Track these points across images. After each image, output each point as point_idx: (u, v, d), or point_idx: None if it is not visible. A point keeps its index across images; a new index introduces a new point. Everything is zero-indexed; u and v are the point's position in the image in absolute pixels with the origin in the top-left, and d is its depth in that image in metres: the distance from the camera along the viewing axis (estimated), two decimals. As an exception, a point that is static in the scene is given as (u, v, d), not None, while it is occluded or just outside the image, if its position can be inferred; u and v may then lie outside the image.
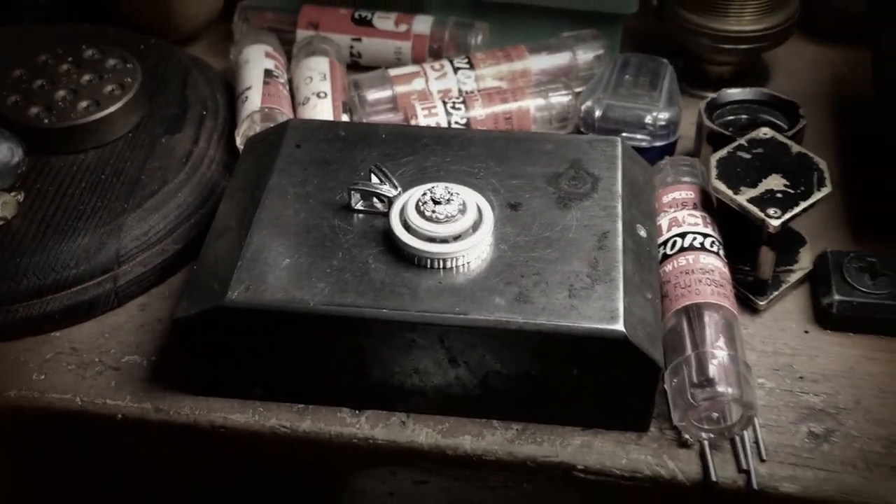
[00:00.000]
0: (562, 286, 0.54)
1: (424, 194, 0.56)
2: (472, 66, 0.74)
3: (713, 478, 0.54)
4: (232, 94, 0.74)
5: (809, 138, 0.69)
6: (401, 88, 0.73)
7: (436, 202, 0.55)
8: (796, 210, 0.59)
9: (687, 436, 0.55)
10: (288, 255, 0.56)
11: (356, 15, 0.79)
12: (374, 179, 0.58)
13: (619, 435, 0.56)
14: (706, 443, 0.55)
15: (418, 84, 0.73)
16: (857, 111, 0.76)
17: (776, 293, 0.62)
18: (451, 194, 0.55)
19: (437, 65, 0.74)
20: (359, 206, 0.58)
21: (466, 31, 0.78)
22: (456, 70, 0.74)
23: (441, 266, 0.55)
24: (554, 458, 0.55)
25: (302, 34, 0.79)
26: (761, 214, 0.58)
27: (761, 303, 0.62)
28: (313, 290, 0.54)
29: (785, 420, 0.57)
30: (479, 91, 0.73)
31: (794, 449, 0.55)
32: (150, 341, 0.62)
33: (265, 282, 0.54)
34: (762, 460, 0.55)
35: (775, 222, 0.58)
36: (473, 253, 0.55)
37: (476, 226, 0.55)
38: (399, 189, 0.57)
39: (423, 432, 0.57)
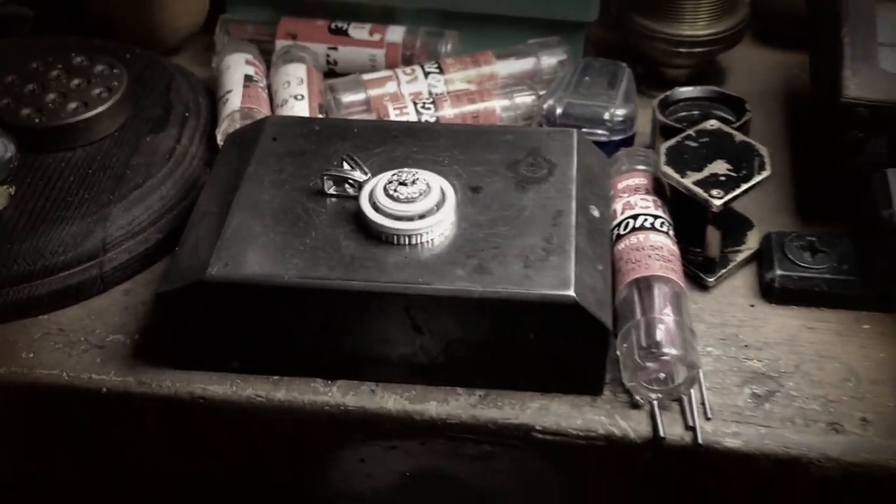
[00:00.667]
0: (518, 258, 0.58)
1: (392, 177, 0.60)
2: (441, 71, 0.79)
3: (661, 434, 0.57)
4: (214, 99, 0.78)
5: (761, 135, 0.73)
6: (374, 91, 0.78)
7: (402, 184, 0.59)
8: (738, 191, 0.63)
9: (637, 397, 0.59)
10: (264, 235, 0.59)
11: (332, 25, 0.83)
12: (346, 167, 0.62)
13: (575, 398, 0.60)
14: (655, 403, 0.58)
15: (391, 87, 0.78)
16: (805, 110, 0.80)
17: (724, 271, 0.66)
18: (416, 177, 0.60)
19: (408, 70, 0.79)
20: (331, 191, 0.62)
21: (437, 39, 0.82)
22: (426, 74, 0.78)
23: (407, 242, 0.58)
24: (514, 420, 0.59)
25: (281, 44, 0.83)
26: (705, 195, 0.63)
27: (710, 279, 0.66)
28: (287, 265, 0.58)
29: (730, 383, 0.60)
30: (448, 93, 0.77)
31: (737, 408, 0.59)
32: (134, 322, 0.65)
33: (243, 258, 0.58)
34: (707, 418, 0.58)
35: (718, 202, 0.62)
36: (436, 230, 0.59)
37: (439, 205, 0.59)
38: (369, 174, 0.61)
39: (391, 399, 0.60)
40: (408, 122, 0.74)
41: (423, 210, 0.59)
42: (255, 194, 0.62)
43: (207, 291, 0.57)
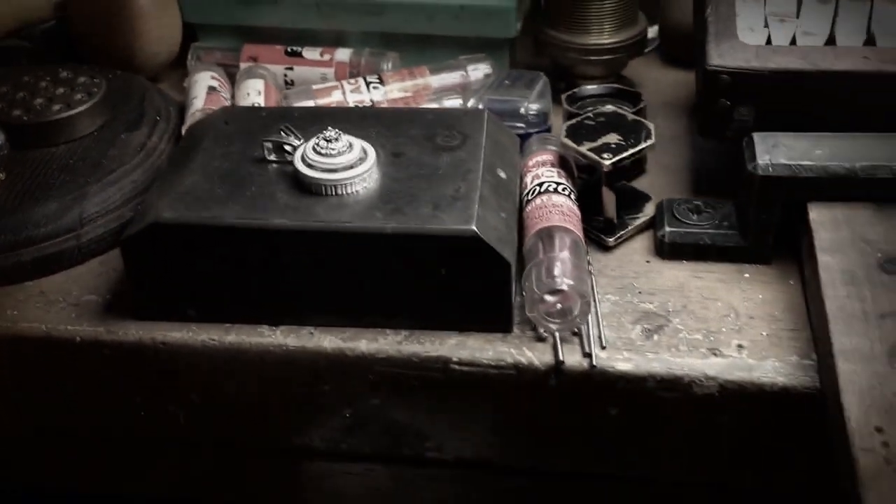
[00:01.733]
0: (429, 203, 0.67)
1: (319, 137, 0.70)
2: (382, 83, 0.90)
3: (561, 359, 0.66)
4: (183, 109, 0.89)
5: (663, 133, 0.83)
6: (322, 100, 0.88)
7: (328, 141, 0.69)
8: (625, 154, 0.73)
9: (540, 329, 0.67)
10: (212, 191, 0.69)
11: (289, 49, 0.95)
12: (283, 135, 0.72)
13: (488, 336, 0.68)
14: (557, 335, 0.67)
15: (336, 96, 0.88)
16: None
17: (622, 233, 0.76)
18: (339, 135, 0.70)
19: (352, 81, 0.90)
20: (271, 158, 0.72)
21: (380, 58, 0.94)
22: (368, 85, 0.89)
23: (333, 192, 0.68)
24: (434, 353, 0.67)
25: (244, 66, 0.94)
26: (597, 157, 0.73)
27: (609, 240, 0.75)
28: (230, 209, 0.67)
29: (624, 321, 0.69)
30: (386, 100, 0.88)
31: (629, 340, 0.67)
32: (106, 285, 0.75)
33: (192, 206, 0.68)
34: (603, 347, 0.67)
35: (607, 162, 0.72)
36: (359, 181, 0.68)
37: (362, 160, 0.69)
38: (302, 140, 0.72)
39: (326, 339, 0.69)
40: (342, 107, 0.84)
41: (346, 163, 0.68)
42: (207, 161, 0.72)
43: (160, 233, 0.67)
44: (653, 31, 1.00)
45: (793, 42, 0.76)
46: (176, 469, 0.80)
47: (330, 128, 0.70)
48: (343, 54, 0.94)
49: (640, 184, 0.82)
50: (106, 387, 0.73)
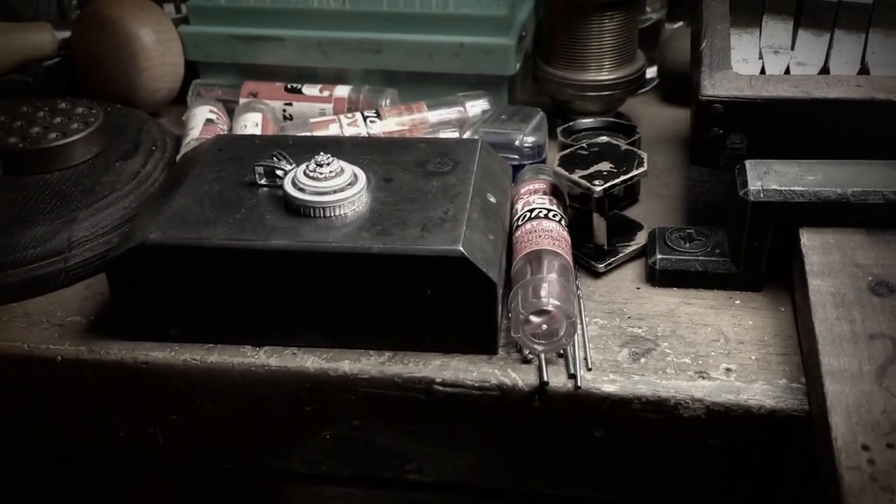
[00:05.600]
0: (417, 225, 0.67)
1: (311, 162, 0.70)
2: (379, 117, 0.90)
3: (546, 379, 0.64)
4: (179, 141, 0.89)
5: (658, 165, 0.83)
6: (319, 132, 0.88)
7: (318, 165, 0.69)
8: (617, 180, 0.72)
9: (526, 351, 0.66)
10: (200, 213, 0.69)
11: (288, 86, 0.96)
12: (275, 160, 0.72)
13: (472, 357, 0.67)
14: (542, 357, 0.66)
15: (333, 129, 0.89)
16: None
17: (612, 259, 0.75)
18: (331, 160, 0.69)
19: (350, 115, 0.90)
20: (262, 182, 0.72)
21: (378, 95, 0.94)
22: (366, 119, 0.89)
23: (321, 214, 0.68)
24: (417, 374, 0.66)
25: (243, 101, 0.95)
26: (588, 183, 0.72)
27: (600, 266, 0.74)
28: (217, 231, 0.67)
29: (612, 344, 0.68)
30: (383, 132, 0.88)
31: (616, 363, 0.66)
32: (91, 307, 0.74)
33: (179, 228, 0.67)
34: (588, 369, 0.65)
35: (598, 188, 0.72)
36: (348, 204, 0.68)
37: (352, 183, 0.69)
38: (294, 165, 0.72)
39: (309, 359, 0.68)
40: (336, 136, 0.84)
41: (336, 186, 0.68)
42: (197, 186, 0.72)
43: (147, 254, 0.66)
44: (652, 72, 1.00)
45: (786, 72, 0.75)
46: (154, 491, 0.78)
47: (322, 153, 0.70)
48: (342, 90, 0.95)
49: (633, 213, 0.81)
50: (86, 406, 0.72)
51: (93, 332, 0.71)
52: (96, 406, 0.72)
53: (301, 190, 0.69)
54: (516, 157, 0.83)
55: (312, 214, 0.68)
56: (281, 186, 0.70)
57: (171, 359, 0.69)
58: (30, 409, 0.73)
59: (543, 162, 0.84)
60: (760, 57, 0.78)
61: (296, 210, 0.68)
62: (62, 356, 0.70)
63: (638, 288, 0.73)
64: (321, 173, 0.69)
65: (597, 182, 0.72)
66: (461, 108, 0.92)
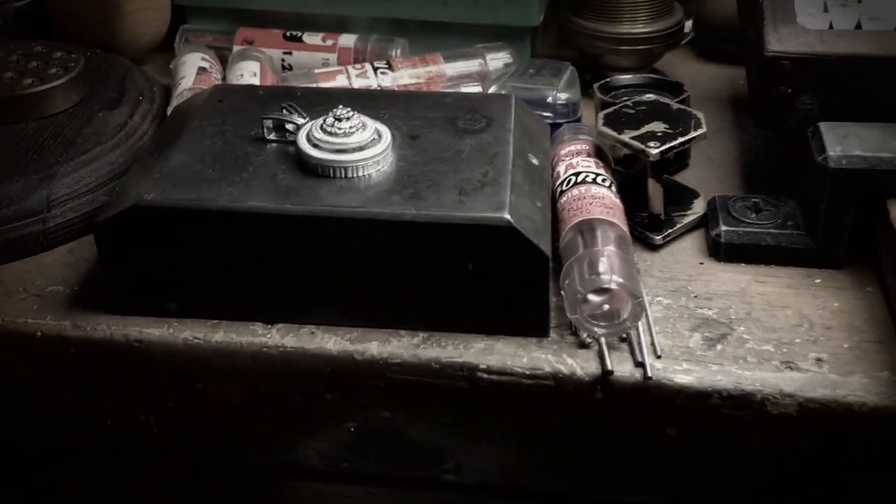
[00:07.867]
0: (454, 188, 0.58)
1: (329, 114, 0.61)
2: (391, 69, 0.81)
3: (609, 367, 0.56)
4: (168, 91, 0.80)
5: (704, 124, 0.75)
6: (325, 84, 0.79)
7: (338, 119, 0.60)
8: (674, 142, 0.64)
9: (583, 332, 0.58)
10: (202, 171, 0.60)
11: (287, 33, 0.86)
12: (286, 113, 0.63)
13: (520, 340, 0.59)
14: (602, 340, 0.58)
15: (341, 80, 0.80)
16: (746, 107, 0.83)
17: (670, 230, 0.67)
18: (352, 114, 0.61)
19: (358, 66, 0.81)
20: (271, 137, 0.63)
21: (387, 45, 0.85)
22: (376, 70, 0.81)
23: (343, 175, 0.59)
24: (457, 359, 0.58)
25: (237, 48, 0.85)
26: (641, 146, 0.64)
27: (657, 237, 0.67)
28: (222, 192, 0.58)
29: (680, 328, 0.60)
30: (396, 86, 0.79)
31: (688, 349, 0.58)
32: (75, 275, 0.65)
33: (179, 188, 0.59)
34: (657, 356, 0.58)
35: (654, 151, 0.64)
36: (372, 163, 0.60)
37: (375, 140, 0.60)
38: (307, 118, 0.63)
39: (331, 340, 0.60)
40: (350, 88, 0.76)
41: (358, 143, 0.60)
42: (197, 140, 0.63)
43: (143, 217, 0.58)
44: (687, 26, 0.92)
45: (858, 27, 0.68)
46: (145, 487, 0.70)
47: (341, 106, 0.61)
48: (347, 40, 0.86)
49: (684, 178, 0.73)
50: (68, 390, 0.64)
51: (78, 305, 0.63)
52: (81, 390, 0.63)
53: (317, 147, 0.60)
54: (550, 114, 0.75)
55: (332, 175, 0.59)
56: (294, 142, 0.62)
57: (168, 337, 0.61)
58: (3, 391, 0.64)
59: (579, 121, 0.76)
60: (826, 10, 0.70)
61: (312, 169, 0.60)
62: (42, 331, 0.62)
63: (701, 263, 0.66)
64: (340, 128, 0.60)
65: (652, 144, 0.64)
66: (482, 61, 0.83)
